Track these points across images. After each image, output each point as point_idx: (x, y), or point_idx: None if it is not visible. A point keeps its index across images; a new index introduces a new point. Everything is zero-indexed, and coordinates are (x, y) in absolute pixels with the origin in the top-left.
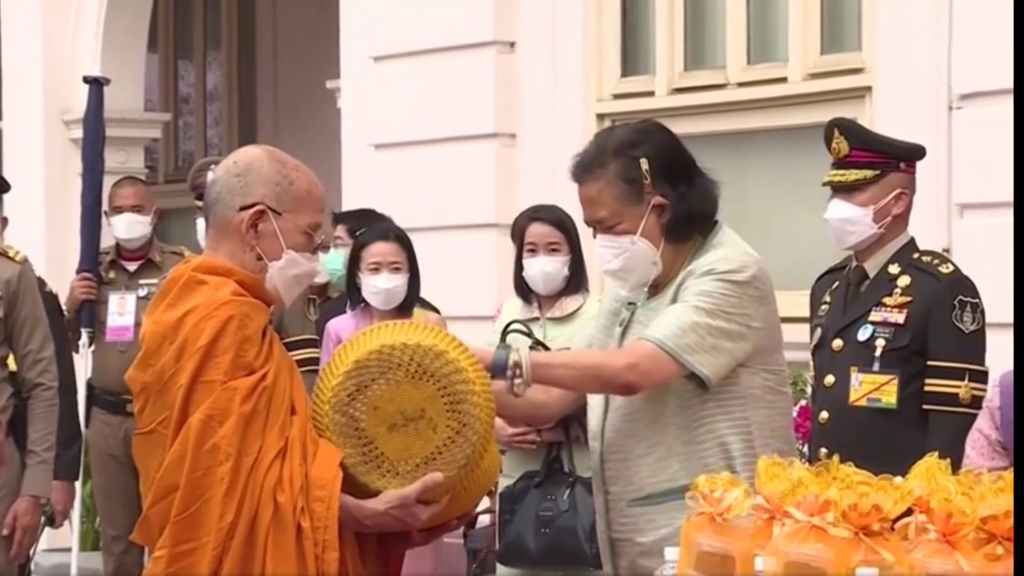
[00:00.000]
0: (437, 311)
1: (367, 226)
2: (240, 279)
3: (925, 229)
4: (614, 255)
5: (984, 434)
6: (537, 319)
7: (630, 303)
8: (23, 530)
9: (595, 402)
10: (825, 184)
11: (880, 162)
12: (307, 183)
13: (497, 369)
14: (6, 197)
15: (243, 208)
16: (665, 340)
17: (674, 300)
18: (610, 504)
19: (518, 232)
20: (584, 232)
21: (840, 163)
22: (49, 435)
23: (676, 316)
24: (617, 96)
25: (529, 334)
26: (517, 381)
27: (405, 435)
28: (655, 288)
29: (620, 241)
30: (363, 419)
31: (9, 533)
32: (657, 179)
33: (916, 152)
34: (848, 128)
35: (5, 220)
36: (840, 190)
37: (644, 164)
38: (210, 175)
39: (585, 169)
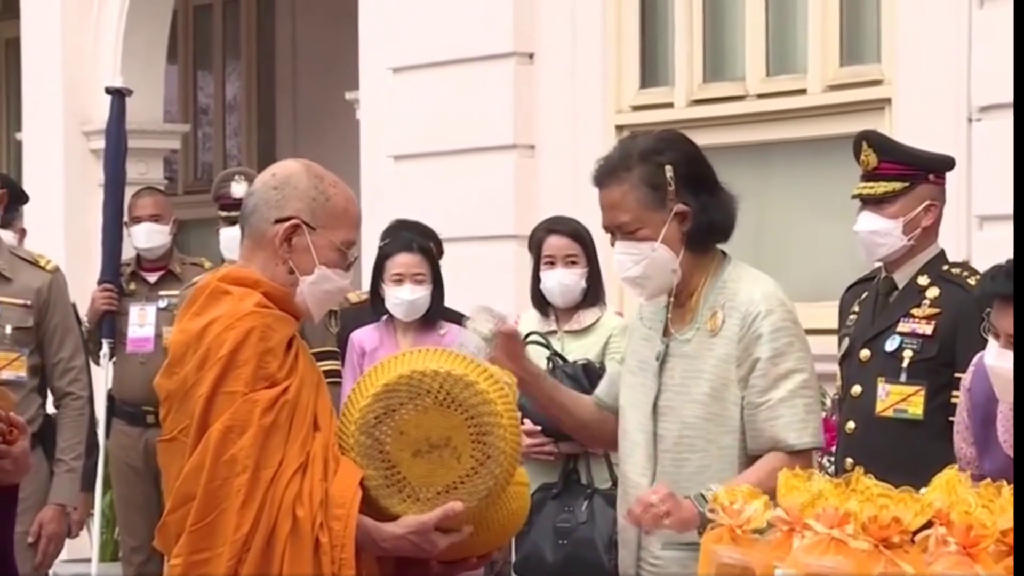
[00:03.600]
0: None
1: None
2: (267, 291)
3: (945, 241)
4: (633, 261)
5: (963, 418)
6: (555, 332)
7: (665, 334)
8: (48, 538)
9: (640, 438)
10: (854, 197)
11: (909, 174)
12: (344, 200)
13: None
14: (26, 208)
15: (278, 221)
16: (799, 443)
17: (712, 333)
18: (643, 542)
19: (535, 244)
20: (601, 245)
21: (869, 175)
22: (77, 444)
23: (791, 409)
24: (636, 108)
25: (547, 346)
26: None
27: (429, 462)
28: (677, 299)
29: (640, 247)
30: (388, 442)
31: (34, 541)
32: (681, 187)
33: (945, 163)
34: (877, 141)
35: (23, 231)
36: (869, 202)
37: (669, 171)
38: (234, 185)
39: (608, 173)
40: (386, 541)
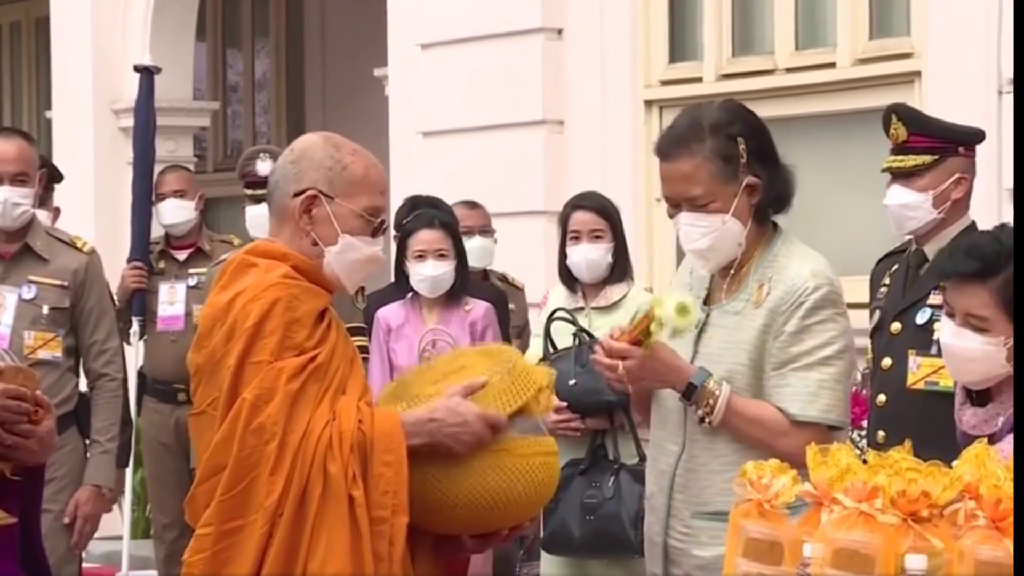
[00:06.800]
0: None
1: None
2: (296, 264)
3: (975, 214)
4: (702, 233)
5: None
6: (582, 308)
7: (704, 304)
8: (84, 519)
9: (673, 405)
10: (884, 170)
11: (939, 147)
12: (363, 167)
13: (695, 382)
14: (56, 187)
15: (296, 194)
16: (800, 414)
17: (756, 305)
18: (672, 510)
19: (562, 220)
20: (629, 220)
21: (899, 149)
22: (112, 425)
23: (801, 381)
24: (665, 83)
25: (574, 322)
26: (704, 411)
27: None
28: (726, 269)
29: (711, 220)
30: (411, 380)
31: (71, 521)
32: (751, 159)
33: (975, 136)
34: (906, 114)
35: (57, 210)
36: (899, 176)
37: (741, 143)
38: (260, 163)
39: (678, 144)
40: (408, 427)
